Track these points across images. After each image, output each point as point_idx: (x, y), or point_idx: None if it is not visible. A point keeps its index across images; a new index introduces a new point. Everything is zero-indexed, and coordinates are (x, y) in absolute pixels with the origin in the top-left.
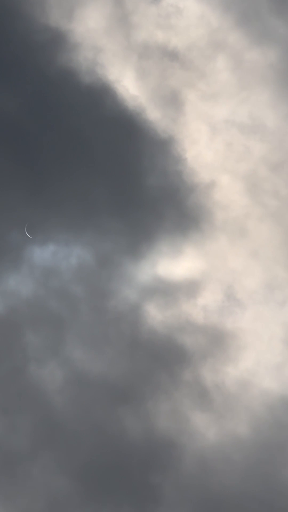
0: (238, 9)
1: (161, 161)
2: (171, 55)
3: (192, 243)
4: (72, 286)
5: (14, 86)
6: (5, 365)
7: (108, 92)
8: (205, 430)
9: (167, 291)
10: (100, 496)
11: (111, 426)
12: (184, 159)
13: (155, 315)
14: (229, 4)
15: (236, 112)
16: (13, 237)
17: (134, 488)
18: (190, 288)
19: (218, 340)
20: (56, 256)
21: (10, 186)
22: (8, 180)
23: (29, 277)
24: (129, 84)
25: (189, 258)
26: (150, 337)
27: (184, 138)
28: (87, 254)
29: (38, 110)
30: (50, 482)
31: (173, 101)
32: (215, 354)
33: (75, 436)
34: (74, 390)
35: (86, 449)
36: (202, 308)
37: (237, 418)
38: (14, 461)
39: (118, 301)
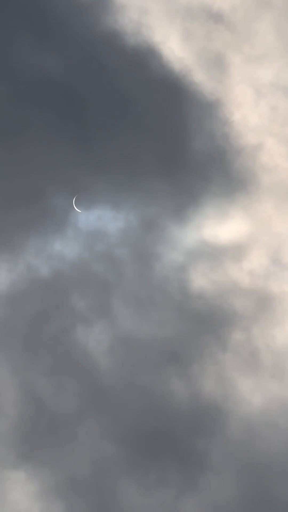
0: None
1: (207, 124)
2: (215, 17)
3: (238, 206)
4: (117, 250)
5: (59, 48)
6: (51, 328)
7: (154, 53)
8: (251, 395)
9: (213, 254)
10: (145, 461)
11: (157, 390)
12: (231, 122)
13: (201, 278)
14: None
15: (281, 76)
16: (59, 200)
17: (180, 453)
18: (236, 251)
19: (264, 304)
20: (101, 219)
21: (56, 149)
22: (53, 143)
23: (75, 240)
24: (174, 46)
25: (236, 221)
26: (195, 301)
27: (230, 100)
28: (132, 218)
29: (83, 72)
30: (96, 446)
31: (218, 63)
32: (261, 318)
33: (121, 400)
34: (120, 353)
35: (132, 413)
36: (248, 272)
37: (284, 383)
38: (60, 424)
39: (164, 264)
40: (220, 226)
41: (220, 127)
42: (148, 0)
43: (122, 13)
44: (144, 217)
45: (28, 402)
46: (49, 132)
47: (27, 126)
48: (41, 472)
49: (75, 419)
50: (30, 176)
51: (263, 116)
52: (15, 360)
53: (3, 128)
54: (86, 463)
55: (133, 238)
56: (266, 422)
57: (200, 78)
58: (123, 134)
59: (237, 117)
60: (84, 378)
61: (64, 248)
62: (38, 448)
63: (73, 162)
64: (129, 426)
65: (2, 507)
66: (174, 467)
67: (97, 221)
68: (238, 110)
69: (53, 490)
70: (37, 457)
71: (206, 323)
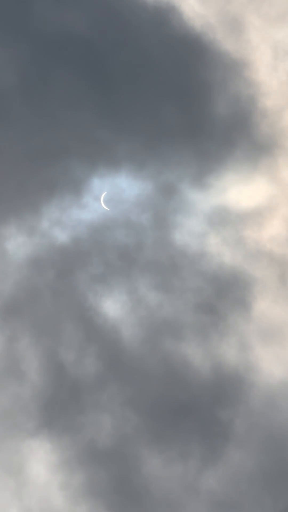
0: None
1: (230, 83)
2: None
3: (262, 171)
4: (138, 216)
5: (81, 5)
6: (71, 295)
7: (174, 10)
8: (273, 365)
9: (236, 220)
10: (168, 432)
11: (179, 361)
12: (256, 83)
13: (223, 245)
14: None
15: None
16: (77, 168)
17: (203, 424)
18: (259, 217)
19: (286, 271)
20: (121, 186)
21: (78, 106)
22: (76, 100)
23: (94, 207)
24: (194, 3)
25: (259, 187)
26: (217, 268)
27: (253, 61)
28: (153, 184)
29: (105, 29)
30: (117, 413)
31: (237, 23)
32: (284, 286)
33: (142, 365)
34: (140, 319)
35: (152, 379)
36: (271, 237)
37: None
38: (81, 390)
39: (185, 231)
40: (242, 192)
41: (244, 88)
42: None
43: None
44: (165, 183)
45: (49, 367)
46: (72, 88)
47: (50, 83)
48: (61, 441)
49: (97, 385)
50: (53, 134)
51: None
52: (37, 326)
53: (26, 85)
54: (108, 431)
55: (153, 204)
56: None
57: (221, 36)
58: (145, 92)
59: (261, 78)
60: (105, 344)
61: (83, 214)
62: (59, 416)
63: (95, 119)
64: (151, 398)
65: (20, 478)
66: (197, 438)
67: (117, 188)
68: (261, 71)
69: (74, 460)
70: (58, 424)
71: (228, 292)
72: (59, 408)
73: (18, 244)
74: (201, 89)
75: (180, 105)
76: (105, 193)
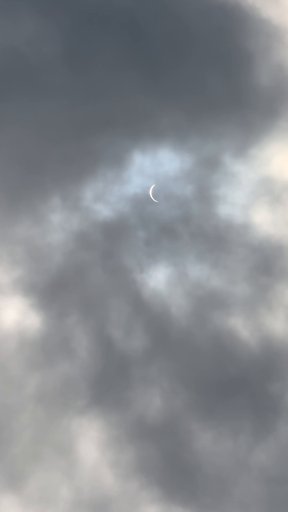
0: None
1: (271, 49)
2: None
3: None
4: (181, 190)
5: None
6: (117, 270)
7: None
8: None
9: (281, 191)
10: (218, 407)
11: (227, 333)
12: None
13: (268, 216)
14: None
15: None
16: (120, 141)
17: (252, 398)
18: None
19: None
20: (164, 159)
21: (122, 77)
22: (119, 72)
23: (136, 181)
24: None
25: None
26: (263, 239)
27: None
28: (196, 156)
29: None
30: (166, 387)
31: None
32: None
33: (190, 340)
34: (186, 291)
35: (202, 356)
36: None
37: None
38: (130, 365)
39: (229, 203)
40: (287, 162)
41: (286, 56)
42: None
43: None
44: (207, 155)
45: (98, 343)
46: (114, 59)
47: (93, 54)
48: (111, 418)
49: (145, 360)
50: (96, 105)
51: None
52: (84, 302)
53: (69, 56)
54: (157, 406)
55: (196, 176)
56: None
57: (260, 2)
58: (187, 62)
59: None
60: (153, 318)
61: (127, 189)
62: (108, 392)
63: (138, 90)
64: (200, 373)
65: (71, 457)
66: (247, 412)
67: (160, 162)
68: None
69: (123, 437)
70: (107, 401)
71: (273, 265)
72: (108, 384)
73: (63, 218)
74: (243, 58)
75: (222, 75)
76: (154, 185)
